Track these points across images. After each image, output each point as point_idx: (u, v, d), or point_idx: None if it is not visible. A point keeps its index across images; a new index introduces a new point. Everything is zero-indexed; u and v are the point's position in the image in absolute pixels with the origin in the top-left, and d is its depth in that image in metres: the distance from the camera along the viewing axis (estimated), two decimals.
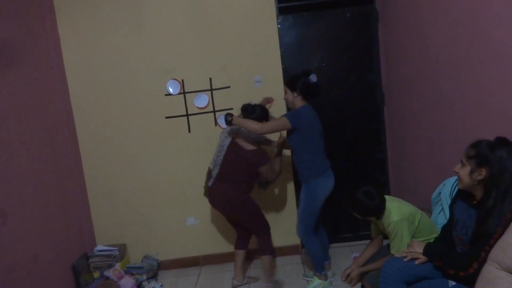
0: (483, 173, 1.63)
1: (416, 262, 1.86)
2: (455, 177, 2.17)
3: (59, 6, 3.24)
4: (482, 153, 1.63)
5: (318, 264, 2.91)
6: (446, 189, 2.19)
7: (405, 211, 2.15)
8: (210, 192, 2.94)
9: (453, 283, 1.75)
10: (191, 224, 3.51)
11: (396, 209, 2.15)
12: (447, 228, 1.91)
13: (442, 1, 2.29)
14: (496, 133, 1.83)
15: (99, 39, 3.28)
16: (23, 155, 2.68)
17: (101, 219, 3.48)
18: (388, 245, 2.26)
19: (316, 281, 2.92)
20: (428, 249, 1.86)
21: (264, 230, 2.98)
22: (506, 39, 1.75)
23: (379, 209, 2.17)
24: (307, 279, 3.09)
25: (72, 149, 3.31)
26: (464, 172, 1.69)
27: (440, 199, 2.24)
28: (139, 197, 3.46)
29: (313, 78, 2.72)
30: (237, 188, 2.84)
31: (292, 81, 2.77)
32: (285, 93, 2.80)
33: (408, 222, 2.12)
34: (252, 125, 2.66)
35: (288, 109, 2.95)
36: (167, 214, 3.49)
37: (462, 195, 1.82)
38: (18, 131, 2.66)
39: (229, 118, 2.71)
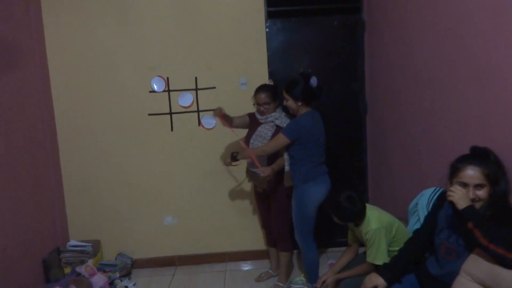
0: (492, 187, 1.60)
1: None
2: (433, 188, 2.22)
3: None
4: (492, 169, 1.59)
5: (313, 274, 2.78)
6: (424, 199, 2.22)
7: (384, 220, 2.18)
8: None
9: None
10: (169, 224, 3.47)
11: (376, 217, 2.17)
12: (424, 233, 1.91)
13: (427, 16, 2.33)
14: (475, 143, 1.86)
15: (84, 31, 3.23)
16: None
17: (76, 214, 3.41)
18: (364, 252, 2.28)
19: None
20: (385, 269, 1.90)
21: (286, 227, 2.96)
22: (485, 54, 1.79)
23: (360, 216, 2.18)
24: (295, 286, 2.95)
25: (50, 142, 3.24)
26: (487, 192, 1.60)
27: (417, 210, 2.27)
28: (117, 193, 3.41)
29: (314, 82, 2.57)
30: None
31: (292, 87, 2.59)
32: (287, 100, 2.63)
33: (386, 231, 2.15)
34: (256, 152, 2.66)
35: (290, 114, 2.79)
36: (145, 212, 3.45)
37: (451, 204, 1.72)
38: None
39: (235, 154, 2.72)
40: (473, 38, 1.89)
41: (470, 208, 1.56)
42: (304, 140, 2.60)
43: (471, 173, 1.60)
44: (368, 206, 2.23)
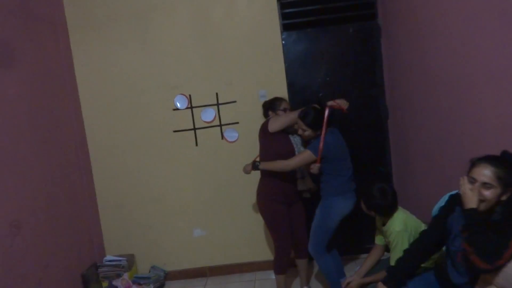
0: (510, 192, 1.57)
1: None
2: (455, 191, 2.20)
3: (72, 28, 3.39)
4: (510, 172, 1.56)
5: (333, 281, 2.80)
6: (440, 204, 2.20)
7: (410, 224, 2.18)
8: None
9: None
10: (198, 236, 3.58)
11: (401, 220, 2.18)
12: (432, 235, 1.90)
13: (440, 20, 2.33)
14: (493, 147, 1.86)
15: (110, 58, 3.42)
16: (37, 168, 2.80)
17: (110, 230, 3.58)
18: (389, 258, 2.28)
19: None
20: (389, 277, 1.92)
21: (275, 243, 2.94)
22: (497, 57, 1.79)
23: (386, 211, 2.20)
24: None
25: (84, 163, 3.43)
26: (495, 194, 1.57)
27: None
28: (148, 209, 3.56)
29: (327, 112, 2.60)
30: (260, 180, 2.94)
31: (306, 118, 2.62)
32: (304, 131, 2.67)
33: (409, 235, 2.15)
34: (279, 165, 2.68)
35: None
36: (175, 225, 3.57)
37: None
38: (33, 145, 2.79)
39: (257, 164, 2.77)
40: (485, 40, 1.88)
41: (471, 211, 1.57)
42: (330, 155, 2.64)
43: (483, 170, 1.59)
44: (400, 208, 2.23)
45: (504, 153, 1.65)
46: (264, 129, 2.86)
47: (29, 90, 2.82)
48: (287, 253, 2.92)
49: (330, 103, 2.64)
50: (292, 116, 2.77)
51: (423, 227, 2.23)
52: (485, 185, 1.57)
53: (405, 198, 3.33)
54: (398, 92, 3.23)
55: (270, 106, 3.00)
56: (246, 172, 2.91)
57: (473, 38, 2.00)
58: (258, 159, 2.92)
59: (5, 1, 2.67)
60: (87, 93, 3.46)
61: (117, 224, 3.57)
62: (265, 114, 3.04)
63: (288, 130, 2.85)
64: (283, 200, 2.87)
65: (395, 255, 2.14)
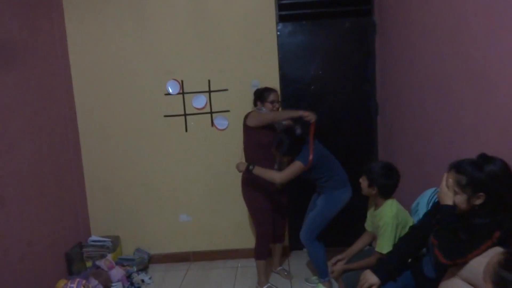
0: (481, 197, 1.56)
1: None
2: (433, 188, 2.24)
3: (67, 4, 3.37)
4: (474, 178, 1.56)
5: (322, 270, 2.90)
6: (424, 199, 2.24)
7: (400, 216, 2.21)
8: None
9: None
10: (183, 221, 3.61)
11: (394, 209, 2.20)
12: (419, 230, 1.93)
13: (429, 20, 2.36)
14: (472, 145, 1.91)
15: (104, 39, 3.41)
16: (25, 145, 2.81)
17: (97, 211, 3.60)
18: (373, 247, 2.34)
19: (320, 287, 2.95)
20: (381, 269, 1.94)
21: (257, 229, 3.03)
22: (482, 57, 1.82)
23: (387, 190, 2.22)
24: (311, 285, 3.11)
25: (73, 143, 3.44)
26: (461, 199, 1.59)
27: (418, 209, 2.30)
28: (135, 192, 3.58)
29: (297, 129, 2.70)
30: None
31: (281, 148, 2.67)
32: (283, 158, 2.75)
33: (398, 226, 2.18)
34: (273, 176, 2.69)
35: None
36: (161, 210, 3.60)
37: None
38: (22, 122, 2.79)
39: (251, 167, 2.73)
40: (470, 42, 1.91)
41: (445, 207, 1.61)
42: (320, 161, 2.72)
43: (449, 178, 1.62)
44: (393, 199, 2.27)
45: (480, 156, 1.63)
46: (245, 120, 2.93)
47: (20, 67, 2.81)
48: (269, 239, 3.01)
49: (309, 118, 2.70)
50: (272, 116, 2.84)
51: (411, 222, 2.26)
52: (453, 191, 1.61)
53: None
54: (389, 89, 3.26)
55: (259, 96, 3.01)
56: (239, 170, 2.87)
57: (460, 40, 2.03)
58: (246, 162, 2.95)
59: None
60: (79, 72, 3.46)
61: (104, 205, 3.59)
62: (255, 103, 3.07)
63: (272, 125, 2.89)
64: (266, 188, 2.93)
65: (382, 241, 2.16)
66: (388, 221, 2.16)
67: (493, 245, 1.50)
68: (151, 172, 3.56)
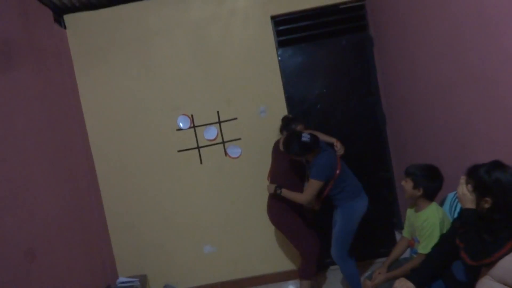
0: (488, 202, 1.63)
1: None
2: (454, 192, 2.28)
3: (75, 55, 3.52)
4: (480, 183, 1.65)
5: (356, 286, 2.93)
6: (446, 203, 2.28)
7: (446, 219, 2.19)
8: None
9: None
10: (208, 252, 3.64)
11: (441, 212, 2.18)
12: (451, 238, 1.94)
13: (424, 29, 2.45)
14: (485, 150, 1.96)
15: (113, 84, 3.54)
16: (49, 196, 2.88)
17: (122, 252, 3.65)
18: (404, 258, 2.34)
19: None
20: (415, 276, 1.97)
21: (300, 250, 3.02)
22: (481, 61, 1.89)
23: (432, 193, 2.20)
24: None
25: (93, 187, 3.52)
26: (473, 202, 1.70)
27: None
28: (157, 228, 3.63)
29: (305, 137, 2.70)
30: (270, 196, 3.03)
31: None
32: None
33: (441, 228, 2.16)
34: (298, 197, 2.80)
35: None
36: (185, 243, 3.64)
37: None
38: (43, 174, 2.87)
39: (279, 191, 2.86)
40: (468, 48, 1.99)
41: (467, 210, 1.67)
42: (333, 174, 2.77)
43: (460, 183, 1.73)
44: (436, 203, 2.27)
45: (492, 162, 1.69)
46: (276, 147, 3.04)
47: (37, 121, 2.92)
48: (315, 258, 3.00)
49: (338, 149, 2.97)
50: None
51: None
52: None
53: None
54: (393, 99, 3.33)
55: (285, 126, 3.10)
56: (270, 191, 2.98)
57: (457, 45, 2.10)
58: (271, 182, 3.04)
59: (12, 36, 2.79)
60: (92, 118, 3.57)
61: (128, 244, 3.64)
62: (281, 130, 3.16)
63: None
64: (297, 209, 2.99)
65: (429, 243, 2.14)
66: (435, 222, 2.13)
67: None
68: (171, 207, 3.62)
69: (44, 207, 2.81)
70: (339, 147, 2.97)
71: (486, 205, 1.64)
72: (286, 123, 3.14)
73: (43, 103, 3.04)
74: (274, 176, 3.07)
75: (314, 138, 2.73)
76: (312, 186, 2.74)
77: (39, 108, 2.98)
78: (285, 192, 2.85)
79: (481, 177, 1.65)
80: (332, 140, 3.00)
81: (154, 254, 3.64)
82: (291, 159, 2.93)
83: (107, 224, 3.63)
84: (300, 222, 3.00)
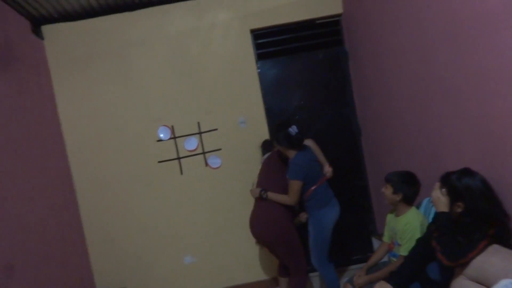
0: (460, 206, 1.77)
1: None
2: (428, 198, 2.42)
3: (53, 66, 3.48)
4: (452, 188, 1.79)
5: None
6: (420, 209, 2.41)
7: (424, 223, 2.28)
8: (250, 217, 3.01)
9: None
10: (189, 263, 3.64)
11: (421, 216, 2.29)
12: (426, 241, 2.04)
13: (396, 43, 2.61)
14: (455, 158, 2.11)
15: (92, 95, 3.52)
16: (26, 210, 2.82)
17: (101, 265, 3.59)
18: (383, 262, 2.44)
19: None
20: (394, 278, 2.08)
21: (295, 265, 2.94)
22: (451, 76, 2.04)
23: (411, 198, 2.31)
24: None
25: (70, 199, 3.46)
26: (447, 206, 1.84)
27: None
28: (137, 240, 3.60)
29: (293, 130, 2.77)
30: (275, 207, 2.87)
31: (274, 135, 2.88)
32: (275, 146, 2.97)
33: (421, 231, 2.25)
34: (284, 199, 2.84)
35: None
36: (165, 254, 3.62)
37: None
38: (21, 188, 2.82)
39: (264, 195, 2.89)
40: (438, 62, 2.14)
41: (441, 214, 1.82)
42: (308, 175, 2.83)
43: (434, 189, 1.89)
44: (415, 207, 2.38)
45: (462, 170, 1.84)
46: (269, 162, 3.08)
47: (13, 132, 2.87)
48: (306, 270, 2.97)
49: (326, 172, 2.98)
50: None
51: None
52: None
53: (384, 209, 3.53)
54: (368, 111, 3.48)
55: (267, 148, 3.27)
56: (254, 195, 3.01)
57: (428, 60, 2.26)
58: (257, 186, 3.06)
59: None
60: (71, 130, 3.53)
61: (107, 257, 3.58)
62: (263, 153, 3.32)
63: None
64: (292, 222, 2.97)
65: (411, 245, 2.22)
66: (416, 225, 2.24)
67: (490, 243, 1.67)
68: (151, 218, 3.61)
69: (21, 221, 2.75)
70: (329, 171, 2.96)
71: (459, 209, 1.78)
72: (266, 143, 3.35)
73: (19, 114, 2.99)
74: (264, 185, 3.03)
75: (299, 135, 2.79)
76: (291, 186, 2.80)
77: (15, 119, 2.93)
78: (271, 195, 2.87)
79: (453, 183, 1.79)
80: (326, 163, 3.01)
81: (134, 266, 3.61)
82: (282, 170, 2.92)
83: (85, 237, 3.57)
84: (297, 238, 2.92)
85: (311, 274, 3.68)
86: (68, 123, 3.53)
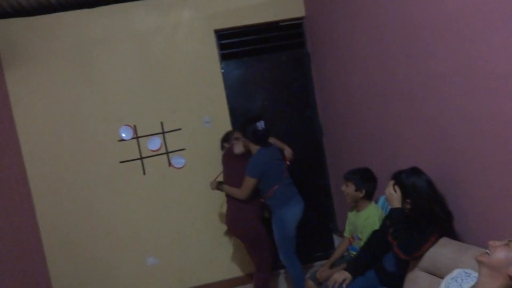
0: (408, 203, 1.91)
1: (345, 284, 2.16)
2: (383, 196, 2.53)
3: (7, 64, 3.33)
4: (402, 186, 1.92)
5: (301, 286, 2.97)
6: (379, 204, 2.52)
7: (383, 217, 2.34)
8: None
9: None
10: (151, 264, 3.59)
11: (380, 210, 2.41)
12: (381, 233, 2.18)
13: (356, 46, 2.71)
14: (409, 157, 2.23)
15: (50, 93, 3.40)
16: None
17: (59, 269, 3.46)
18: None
19: None
20: (350, 267, 2.20)
21: (261, 262, 3.01)
22: (407, 78, 2.16)
23: (370, 193, 2.41)
24: None
25: (26, 200, 3.32)
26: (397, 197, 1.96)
27: None
28: (97, 242, 3.51)
29: (260, 125, 2.83)
30: (233, 205, 3.00)
31: (242, 127, 2.95)
32: (239, 138, 3.02)
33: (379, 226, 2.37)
34: (236, 192, 2.93)
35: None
36: (127, 256, 3.55)
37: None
38: None
39: (220, 187, 3.03)
40: (395, 63, 2.25)
41: (395, 210, 1.94)
42: (266, 173, 2.87)
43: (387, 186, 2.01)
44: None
45: (411, 169, 1.98)
46: (229, 153, 3.07)
47: None
48: (271, 266, 3.05)
49: (288, 154, 3.07)
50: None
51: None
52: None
53: (344, 207, 3.65)
54: (329, 112, 3.59)
55: (225, 139, 3.30)
56: (212, 187, 3.12)
57: (387, 63, 2.37)
58: (219, 179, 3.14)
59: None
60: (26, 129, 3.38)
61: (66, 262, 3.46)
62: (222, 147, 3.31)
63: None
64: (259, 218, 3.04)
65: (366, 236, 2.34)
66: (375, 220, 2.34)
67: (440, 235, 1.79)
68: (112, 219, 3.53)
69: None
70: (289, 154, 3.06)
71: (408, 206, 1.92)
72: (224, 136, 3.35)
73: None
74: (228, 180, 3.08)
75: (264, 132, 2.84)
76: (245, 181, 2.85)
77: None
78: (226, 188, 2.99)
79: (402, 181, 1.94)
80: (286, 147, 3.09)
81: (94, 270, 3.51)
82: (243, 163, 2.94)
83: (41, 240, 3.43)
84: (265, 235, 2.99)
85: (280, 271, 3.72)
86: (23, 121, 3.38)
